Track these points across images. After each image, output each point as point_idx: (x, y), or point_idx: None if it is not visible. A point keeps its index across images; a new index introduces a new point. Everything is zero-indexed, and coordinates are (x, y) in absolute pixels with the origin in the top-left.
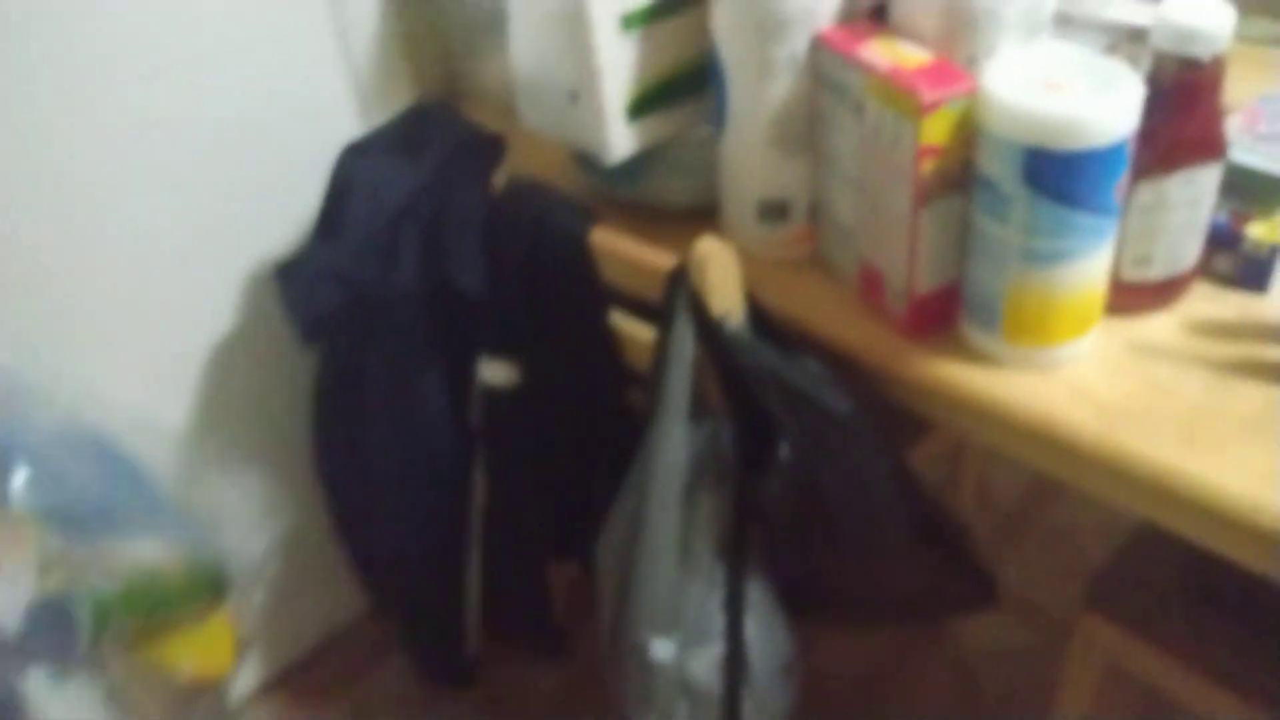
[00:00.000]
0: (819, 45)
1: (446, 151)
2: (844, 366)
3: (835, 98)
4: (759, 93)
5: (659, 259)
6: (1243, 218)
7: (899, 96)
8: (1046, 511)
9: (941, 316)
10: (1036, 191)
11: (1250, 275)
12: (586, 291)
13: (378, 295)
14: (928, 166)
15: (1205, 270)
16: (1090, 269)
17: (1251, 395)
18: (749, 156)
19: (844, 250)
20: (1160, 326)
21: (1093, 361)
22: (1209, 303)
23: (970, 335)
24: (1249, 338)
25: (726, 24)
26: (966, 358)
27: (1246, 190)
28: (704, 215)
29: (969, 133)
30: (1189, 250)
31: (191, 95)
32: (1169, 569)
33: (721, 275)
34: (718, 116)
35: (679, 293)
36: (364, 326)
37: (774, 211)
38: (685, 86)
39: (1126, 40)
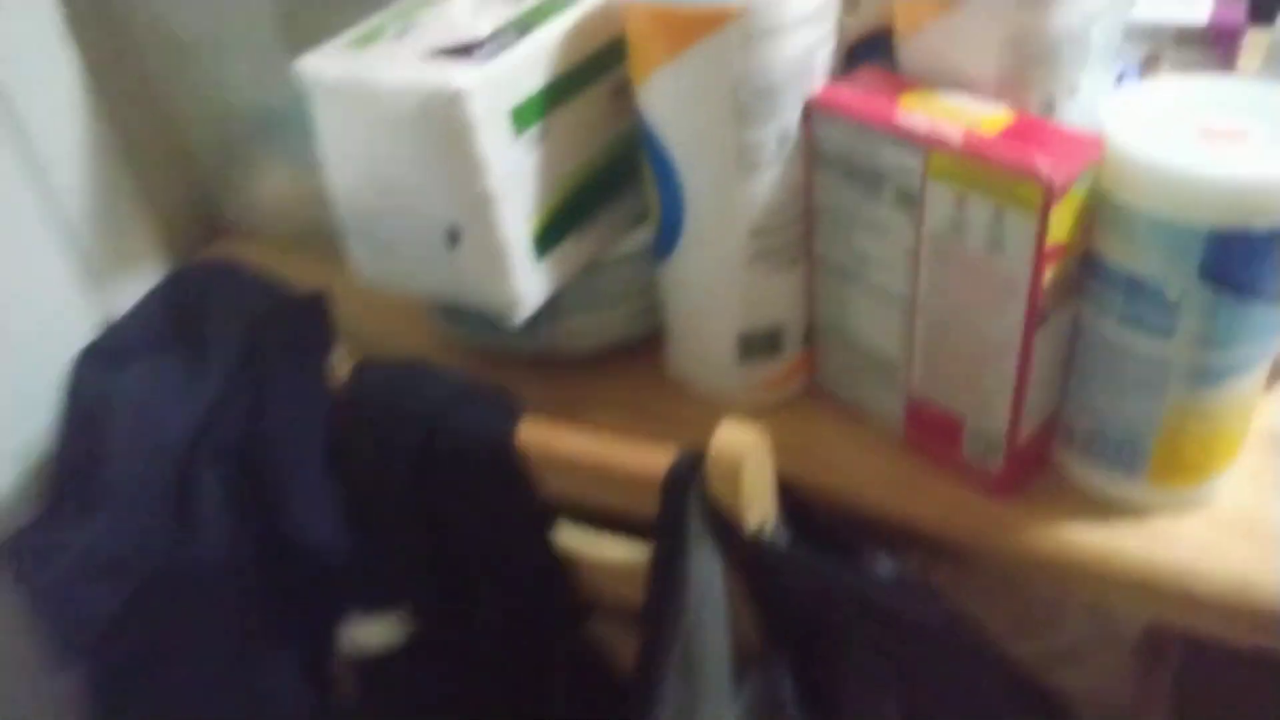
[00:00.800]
0: (823, 115)
1: (243, 337)
2: (904, 543)
3: (858, 185)
4: (735, 192)
5: (641, 460)
6: None
7: (1001, 178)
8: None
9: (1039, 461)
10: (1218, 289)
11: None
12: (518, 511)
13: (173, 577)
14: (1051, 274)
15: None
16: (1261, 375)
17: None
18: (724, 278)
19: (875, 386)
20: None
21: (1245, 485)
22: None
23: (1091, 480)
24: None
25: (675, 100)
26: (1091, 511)
27: None
28: (627, 354)
29: (1092, 216)
30: None
31: None
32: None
33: (758, 477)
34: (664, 228)
35: (686, 506)
36: (157, 619)
37: (762, 345)
38: (601, 191)
39: (1173, 45)
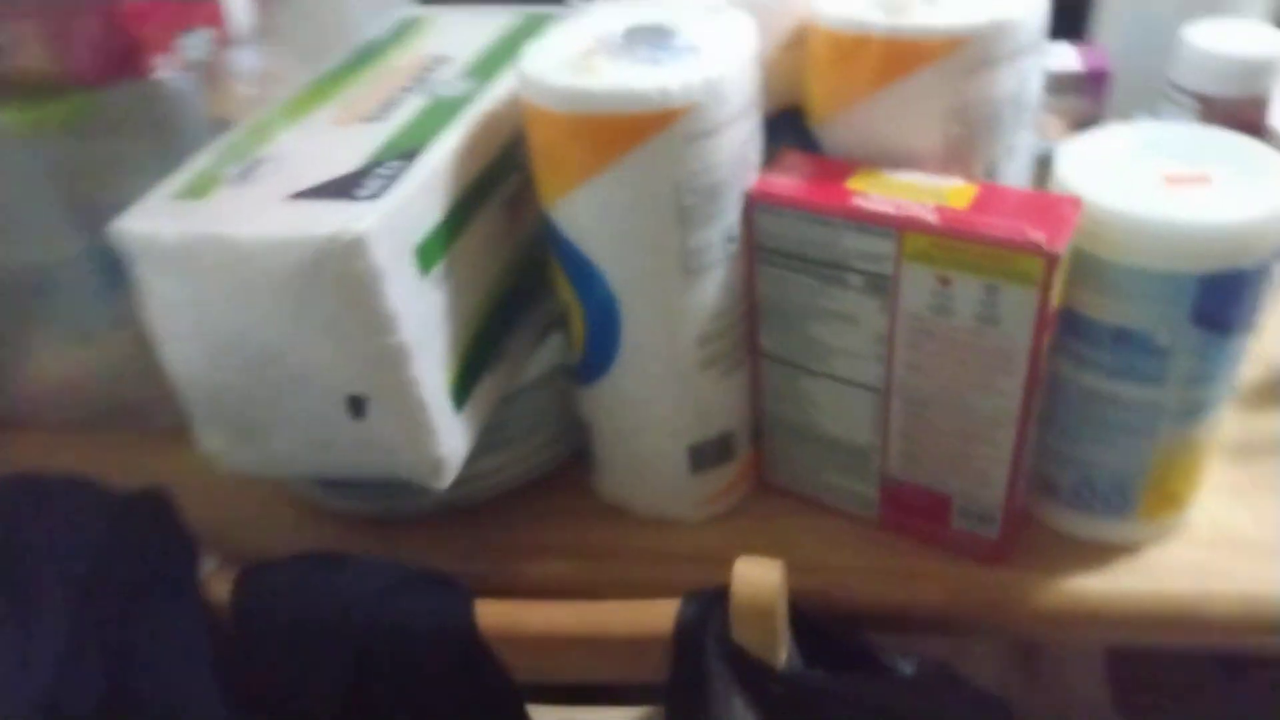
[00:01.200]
0: (766, 208)
1: (79, 568)
2: (900, 627)
3: (813, 277)
4: (679, 300)
5: (636, 619)
6: None
7: (992, 254)
8: None
9: (1024, 519)
10: (1206, 330)
11: None
12: (490, 706)
13: None
14: (1045, 341)
15: None
16: (1230, 396)
17: None
18: (670, 391)
19: (842, 475)
20: None
21: (1210, 500)
22: None
23: (1080, 528)
24: None
25: (606, 212)
26: (1087, 558)
27: None
28: (538, 489)
29: (1070, 278)
30: None
31: None
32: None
33: (782, 612)
34: (594, 348)
35: (705, 660)
36: None
37: (714, 453)
38: (505, 317)
39: (1051, 92)
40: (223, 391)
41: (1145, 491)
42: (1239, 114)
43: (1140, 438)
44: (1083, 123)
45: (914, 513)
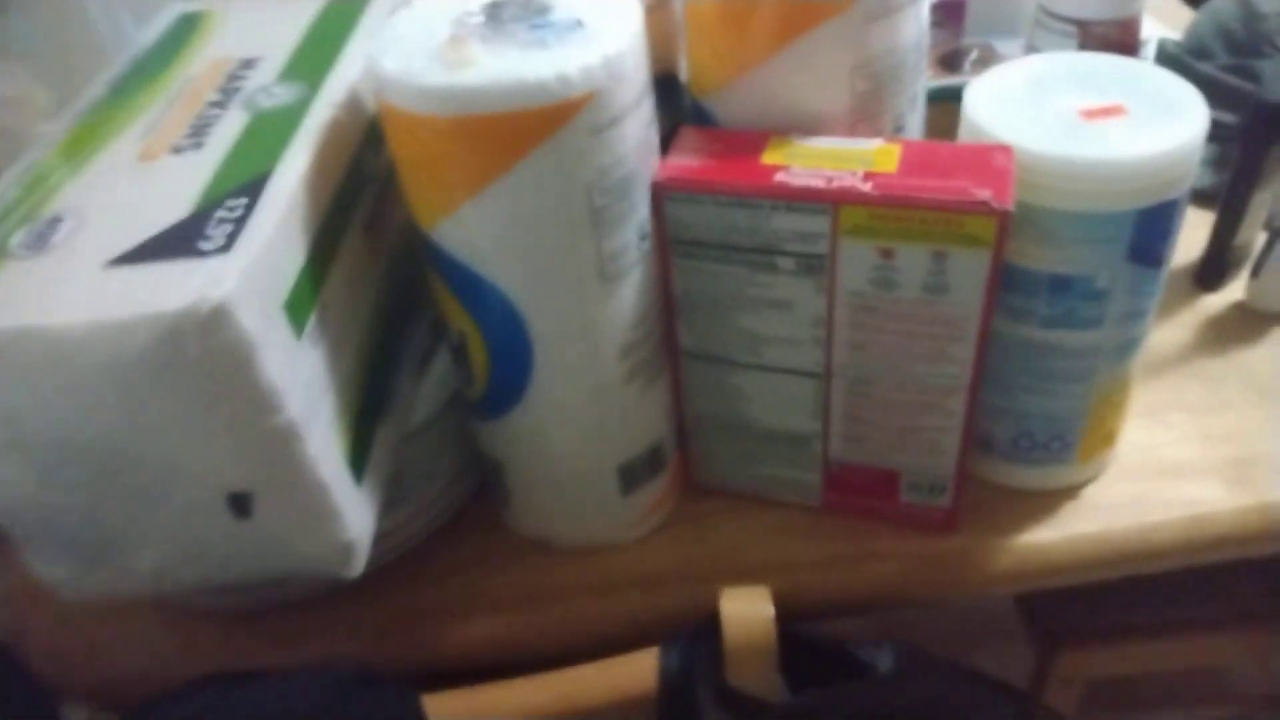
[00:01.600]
0: (679, 197)
1: None
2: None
3: (738, 265)
4: (598, 312)
5: (613, 680)
6: None
7: (939, 220)
8: None
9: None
10: (1140, 266)
11: None
12: None
13: None
14: (992, 300)
15: None
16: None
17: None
18: (595, 412)
19: (779, 465)
20: None
21: (1133, 424)
22: None
23: (1021, 480)
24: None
25: (507, 226)
26: (1032, 509)
27: None
28: (439, 541)
29: None
30: None
31: None
32: None
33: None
34: (501, 378)
35: (699, 705)
36: None
37: (646, 467)
38: (384, 360)
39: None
40: (59, 513)
41: (1084, 434)
42: (1115, 36)
43: (1079, 383)
44: (946, 54)
45: (860, 493)
